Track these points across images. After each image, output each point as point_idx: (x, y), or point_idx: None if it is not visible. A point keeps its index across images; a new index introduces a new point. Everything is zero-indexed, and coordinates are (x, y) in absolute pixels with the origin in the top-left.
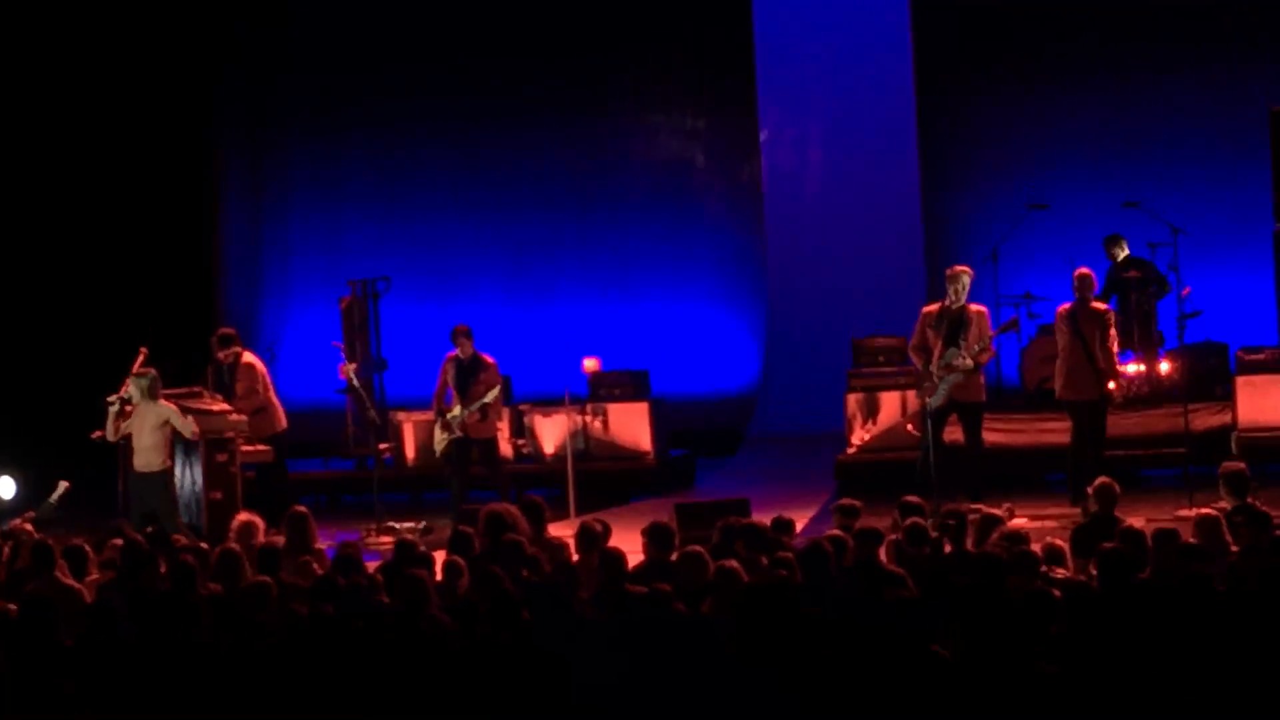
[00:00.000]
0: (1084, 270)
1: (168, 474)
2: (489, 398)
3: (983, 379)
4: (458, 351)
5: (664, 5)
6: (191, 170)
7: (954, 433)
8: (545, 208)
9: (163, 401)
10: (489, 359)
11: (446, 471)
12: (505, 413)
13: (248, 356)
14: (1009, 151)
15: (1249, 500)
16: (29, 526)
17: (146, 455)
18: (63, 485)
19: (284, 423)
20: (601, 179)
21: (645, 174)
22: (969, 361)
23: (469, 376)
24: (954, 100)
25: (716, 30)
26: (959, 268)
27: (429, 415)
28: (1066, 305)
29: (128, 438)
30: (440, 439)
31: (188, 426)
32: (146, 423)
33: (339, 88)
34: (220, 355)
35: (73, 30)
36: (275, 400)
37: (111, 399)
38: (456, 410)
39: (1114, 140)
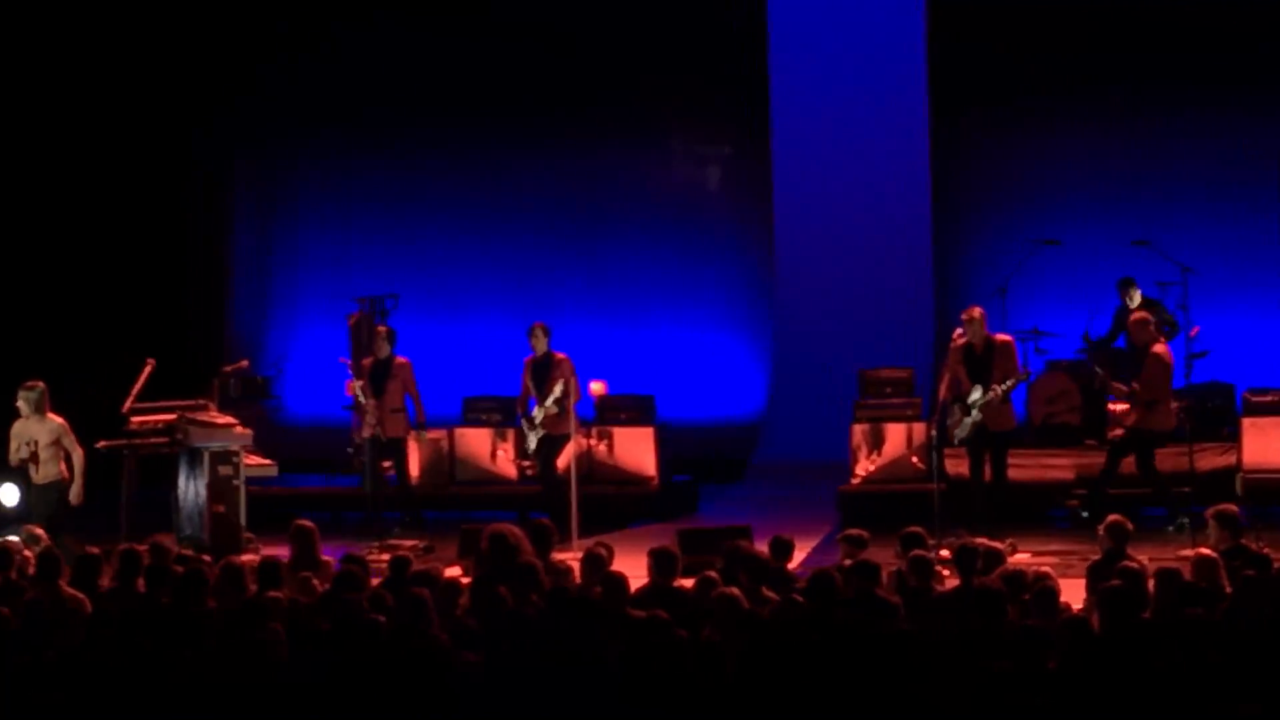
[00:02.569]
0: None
1: (64, 485)
2: (557, 391)
3: (1012, 408)
4: (533, 352)
5: (678, 32)
6: (204, 187)
7: (959, 466)
8: (554, 230)
9: (51, 416)
10: (560, 355)
11: (540, 475)
12: (510, 434)
13: (401, 358)
14: (1020, 186)
15: (1242, 541)
16: (39, 532)
17: (45, 467)
18: None
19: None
20: (611, 203)
21: (655, 199)
22: (997, 392)
23: (543, 375)
24: (967, 135)
25: (731, 58)
26: (973, 311)
27: (435, 434)
28: None
29: (30, 454)
30: (531, 441)
31: (74, 446)
32: (42, 438)
33: (350, 107)
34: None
35: (90, 47)
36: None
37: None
38: (538, 412)
39: (1125, 178)
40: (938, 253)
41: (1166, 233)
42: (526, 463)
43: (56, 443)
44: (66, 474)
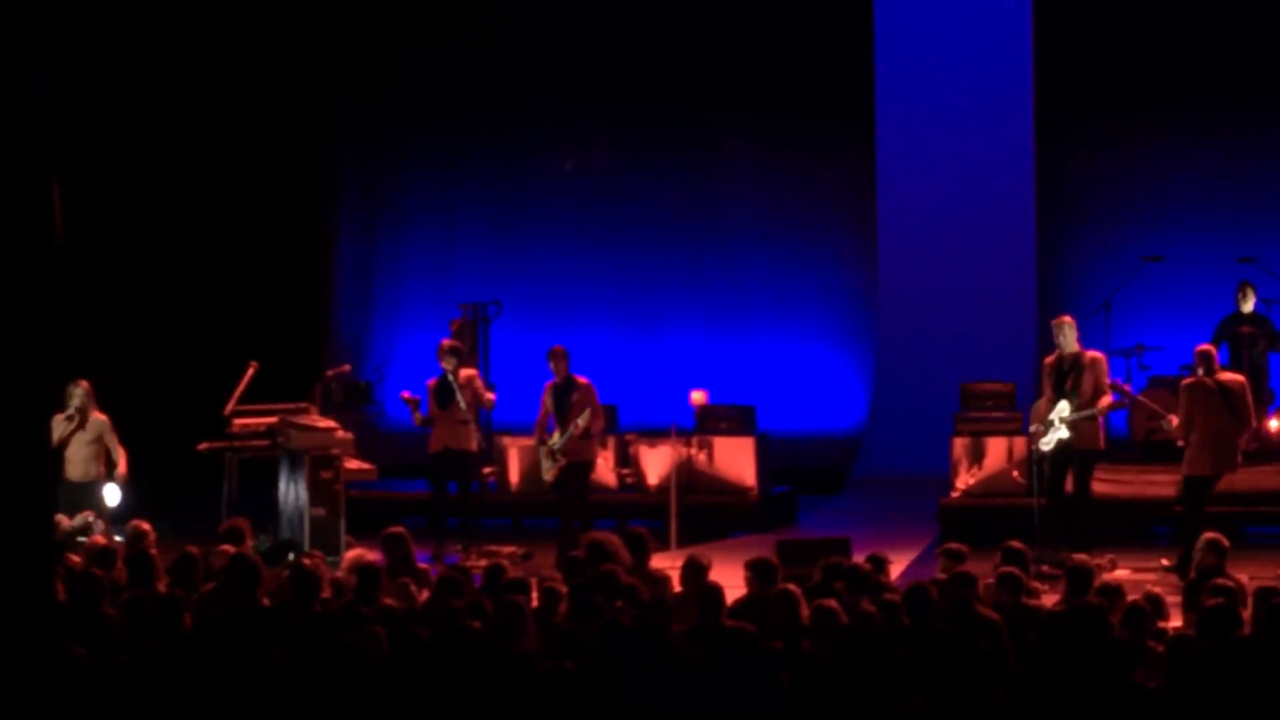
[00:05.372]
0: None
1: (100, 483)
2: (581, 420)
3: (1101, 428)
4: (554, 376)
5: (783, 42)
6: (309, 192)
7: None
8: (658, 240)
9: (96, 415)
10: (582, 380)
11: (557, 501)
12: (610, 441)
13: (467, 372)
14: (1125, 202)
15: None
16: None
17: (86, 465)
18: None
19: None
20: (714, 214)
21: (758, 210)
22: (1071, 416)
23: (563, 399)
24: (1072, 148)
25: (836, 70)
26: (1063, 317)
27: (534, 440)
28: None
29: (63, 445)
30: (548, 468)
31: (117, 445)
32: (88, 433)
33: (455, 115)
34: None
35: (197, 56)
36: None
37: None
38: (556, 437)
39: (1231, 195)
40: (1042, 267)
41: (1272, 250)
42: (625, 470)
43: (99, 440)
44: (104, 474)
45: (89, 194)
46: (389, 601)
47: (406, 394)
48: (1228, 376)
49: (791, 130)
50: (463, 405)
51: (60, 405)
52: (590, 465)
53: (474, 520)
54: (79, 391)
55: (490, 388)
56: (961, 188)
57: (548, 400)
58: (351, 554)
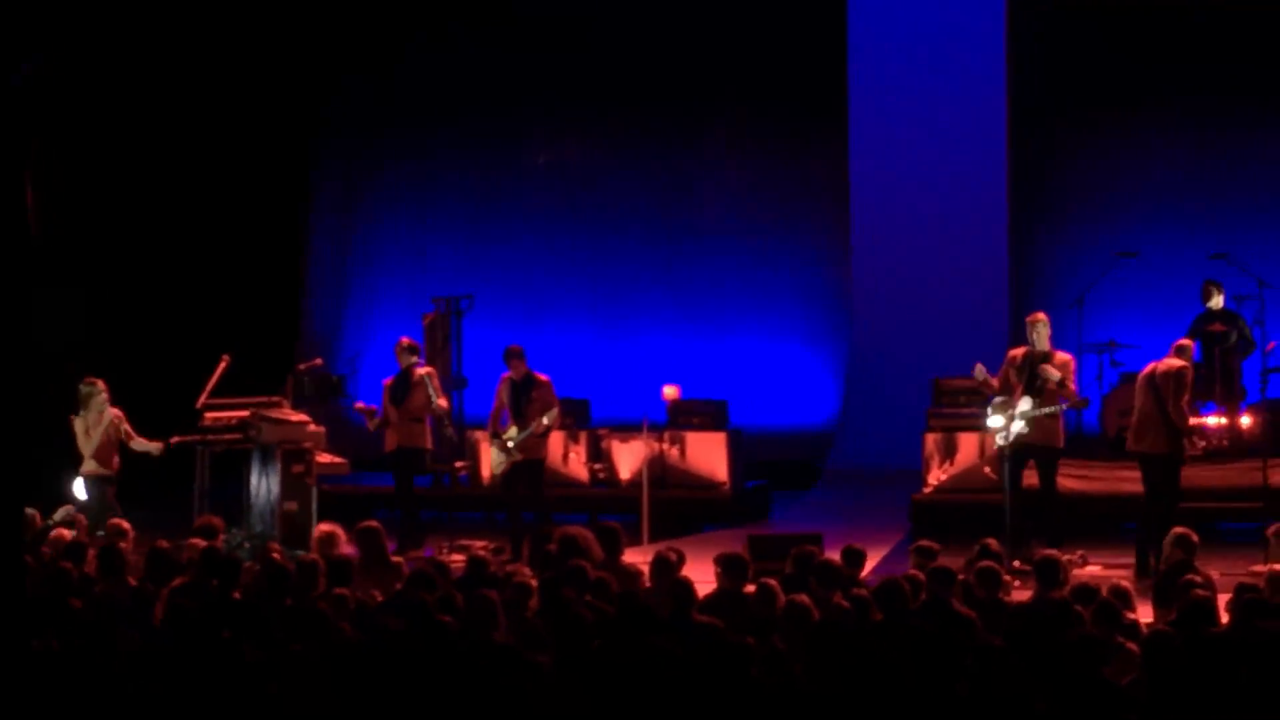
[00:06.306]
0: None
1: (109, 479)
2: (547, 419)
3: (1061, 426)
4: (510, 373)
5: (757, 42)
6: (283, 185)
7: (1031, 477)
8: (632, 236)
9: (112, 411)
10: (543, 378)
11: (502, 494)
12: (582, 436)
13: (424, 369)
14: (1098, 199)
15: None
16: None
17: (94, 461)
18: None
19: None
20: (688, 210)
21: (733, 207)
22: (1030, 412)
23: (523, 396)
24: (1045, 145)
25: (810, 68)
26: (1038, 315)
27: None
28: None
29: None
30: (499, 461)
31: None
32: (102, 427)
33: (430, 108)
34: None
35: (176, 51)
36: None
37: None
38: (512, 432)
39: (1204, 191)
40: (1014, 263)
41: (1244, 247)
42: (598, 465)
43: (107, 431)
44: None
45: (62, 185)
46: (359, 595)
47: (360, 404)
48: (1165, 363)
49: (765, 127)
50: (433, 400)
51: (74, 407)
52: (542, 462)
53: (423, 515)
54: (89, 389)
55: (462, 382)
56: (934, 184)
57: (503, 394)
58: (323, 528)
